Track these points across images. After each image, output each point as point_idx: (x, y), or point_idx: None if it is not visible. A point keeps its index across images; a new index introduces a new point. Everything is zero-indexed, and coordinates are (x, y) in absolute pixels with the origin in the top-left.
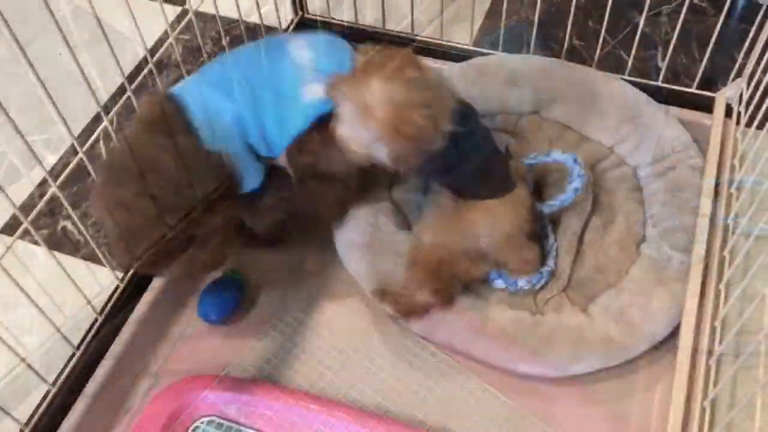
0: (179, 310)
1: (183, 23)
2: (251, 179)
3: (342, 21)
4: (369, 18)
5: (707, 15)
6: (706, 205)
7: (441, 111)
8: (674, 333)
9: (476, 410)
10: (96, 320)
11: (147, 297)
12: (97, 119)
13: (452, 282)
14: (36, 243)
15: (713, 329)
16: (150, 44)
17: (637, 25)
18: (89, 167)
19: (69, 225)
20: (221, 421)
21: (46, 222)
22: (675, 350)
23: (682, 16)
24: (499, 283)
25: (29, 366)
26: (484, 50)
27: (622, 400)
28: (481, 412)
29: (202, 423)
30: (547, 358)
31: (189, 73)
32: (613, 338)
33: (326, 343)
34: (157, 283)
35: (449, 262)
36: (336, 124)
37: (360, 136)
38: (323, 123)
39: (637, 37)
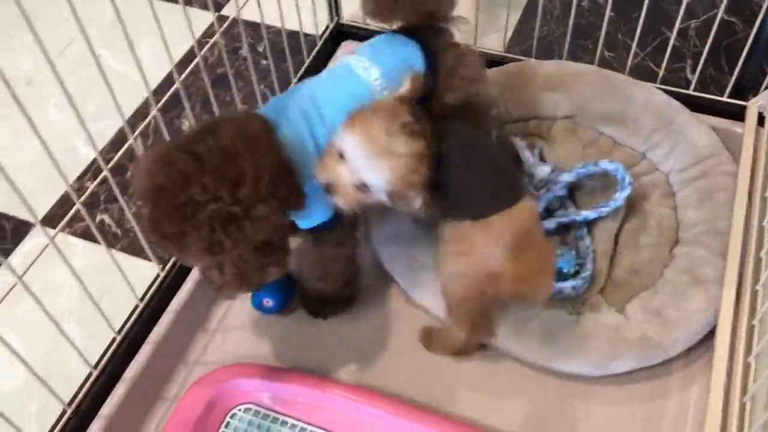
0: (218, 300)
1: (225, 25)
2: (318, 212)
3: (376, 27)
4: None
5: (736, 29)
6: (740, 207)
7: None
8: (710, 335)
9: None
10: (137, 306)
11: (187, 286)
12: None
13: (485, 313)
14: (75, 234)
15: (751, 328)
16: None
17: (667, 38)
18: (139, 148)
19: (107, 218)
20: (258, 408)
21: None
22: (710, 352)
23: (714, 28)
24: None
25: (74, 346)
26: (518, 56)
27: (657, 400)
28: (516, 404)
29: (240, 411)
30: (585, 356)
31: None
32: (651, 338)
33: (366, 334)
34: (196, 274)
35: (471, 297)
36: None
37: (365, 183)
38: None
39: (669, 50)
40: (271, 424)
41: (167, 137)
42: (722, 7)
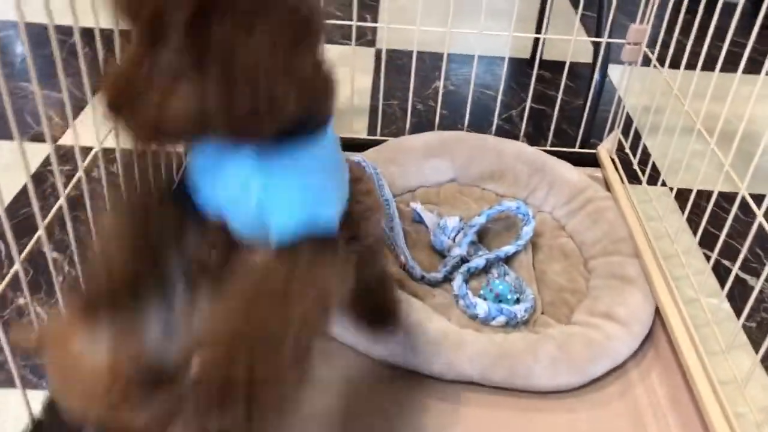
0: None
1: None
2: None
3: None
4: None
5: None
6: (631, 215)
7: None
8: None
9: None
10: None
11: None
12: None
13: None
14: None
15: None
16: None
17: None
18: None
19: None
20: None
21: None
22: (651, 340)
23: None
24: (501, 320)
25: None
26: (383, 138)
27: (627, 395)
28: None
29: None
30: (568, 365)
31: None
32: (615, 335)
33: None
34: None
35: None
36: None
37: None
38: None
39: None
40: None
41: None
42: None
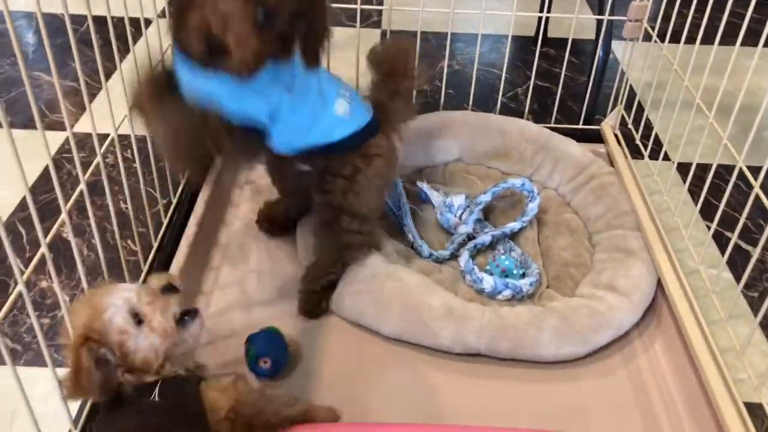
0: None
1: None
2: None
3: None
4: None
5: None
6: (634, 190)
7: None
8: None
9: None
10: None
11: None
12: None
13: None
14: None
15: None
16: None
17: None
18: None
19: None
20: None
21: None
22: (658, 309)
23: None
24: (507, 294)
25: None
26: None
27: (630, 364)
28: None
29: None
30: (573, 335)
31: None
32: (617, 306)
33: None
34: None
35: None
36: None
37: None
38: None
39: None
40: None
41: None
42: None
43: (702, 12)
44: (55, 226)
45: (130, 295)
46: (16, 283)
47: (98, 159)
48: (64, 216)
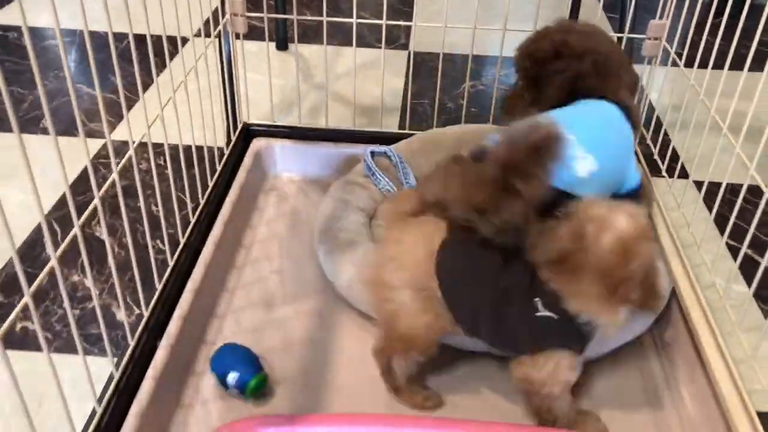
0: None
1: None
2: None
3: (284, 124)
4: (306, 119)
5: None
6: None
7: None
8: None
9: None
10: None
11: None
12: None
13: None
14: None
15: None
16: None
17: None
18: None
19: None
20: None
21: None
22: (673, 319)
23: None
24: None
25: None
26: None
27: (646, 362)
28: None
29: None
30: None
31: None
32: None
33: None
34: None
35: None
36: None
37: None
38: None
39: None
40: None
41: None
42: None
43: (715, 35)
44: (83, 217)
45: None
46: (47, 277)
47: (132, 160)
48: (96, 201)
